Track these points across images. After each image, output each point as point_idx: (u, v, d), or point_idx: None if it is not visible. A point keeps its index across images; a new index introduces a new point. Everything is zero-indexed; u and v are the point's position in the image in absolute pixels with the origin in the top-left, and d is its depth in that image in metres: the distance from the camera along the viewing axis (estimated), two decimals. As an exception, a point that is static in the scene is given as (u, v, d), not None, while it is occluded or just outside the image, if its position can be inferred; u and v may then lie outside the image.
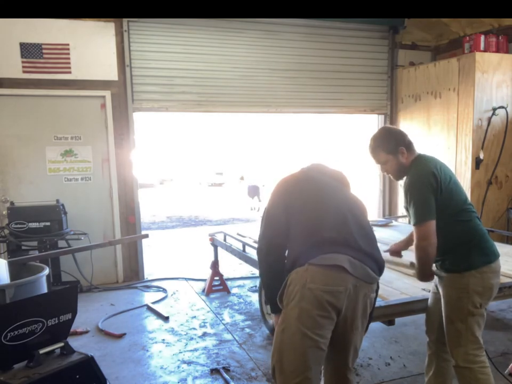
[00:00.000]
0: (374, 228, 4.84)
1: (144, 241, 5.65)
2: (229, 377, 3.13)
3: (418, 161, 2.36)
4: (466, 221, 2.34)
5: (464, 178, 5.38)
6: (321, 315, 1.87)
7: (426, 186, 2.24)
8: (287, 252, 2.05)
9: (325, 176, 2.24)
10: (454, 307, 2.32)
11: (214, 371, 3.25)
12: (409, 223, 2.34)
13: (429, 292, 2.63)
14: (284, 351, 1.93)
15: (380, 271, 2.04)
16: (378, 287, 2.09)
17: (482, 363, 2.32)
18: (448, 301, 2.34)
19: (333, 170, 2.33)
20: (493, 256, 2.33)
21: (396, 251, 2.80)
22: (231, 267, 5.96)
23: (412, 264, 2.43)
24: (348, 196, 2.21)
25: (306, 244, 1.94)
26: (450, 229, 2.30)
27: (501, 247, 3.96)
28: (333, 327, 1.93)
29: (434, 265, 2.41)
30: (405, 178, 2.37)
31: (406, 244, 2.81)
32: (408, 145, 2.41)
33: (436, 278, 2.46)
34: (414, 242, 2.28)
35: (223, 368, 3.27)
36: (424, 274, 2.33)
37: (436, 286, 2.48)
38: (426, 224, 2.21)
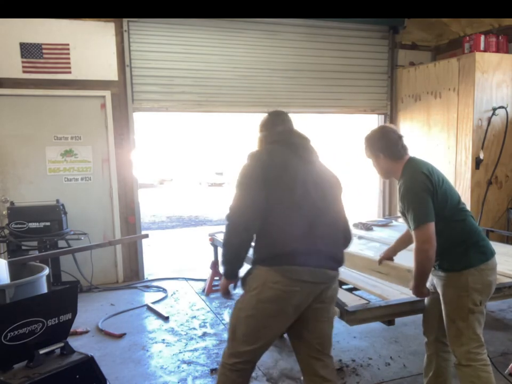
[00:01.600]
0: (374, 228, 4.89)
1: (144, 241, 5.65)
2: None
3: (411, 165, 2.36)
4: (462, 220, 2.36)
5: (464, 178, 5.38)
6: (276, 309, 2.04)
7: (423, 189, 2.24)
8: (264, 239, 2.09)
9: (306, 162, 2.21)
10: (455, 306, 2.33)
11: (214, 371, 3.25)
12: (409, 227, 2.33)
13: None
14: (238, 325, 2.14)
15: (339, 263, 2.20)
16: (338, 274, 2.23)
17: (484, 361, 2.32)
18: (448, 300, 2.34)
19: (315, 152, 2.32)
20: (489, 254, 2.36)
21: (386, 258, 2.83)
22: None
23: (409, 271, 2.44)
24: (325, 192, 2.18)
25: (276, 247, 2.05)
26: (447, 229, 2.32)
27: (501, 247, 3.97)
28: (289, 319, 2.10)
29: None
30: (399, 183, 2.37)
31: (393, 250, 2.83)
32: (399, 151, 2.39)
33: (432, 278, 2.46)
34: (415, 246, 2.26)
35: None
36: (421, 283, 2.33)
37: (433, 286, 2.49)
38: (426, 227, 2.21)
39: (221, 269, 2.25)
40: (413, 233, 2.27)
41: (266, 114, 2.47)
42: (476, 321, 2.31)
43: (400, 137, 2.43)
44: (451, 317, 2.34)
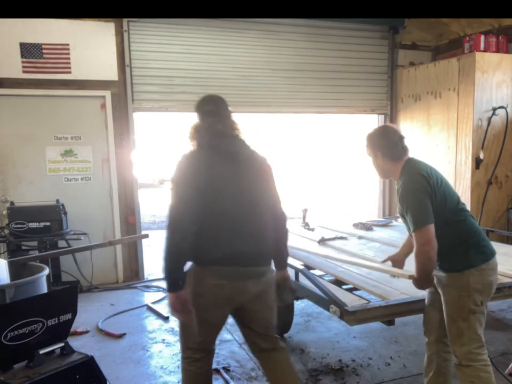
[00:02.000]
0: (374, 228, 4.89)
1: (144, 241, 5.65)
2: (229, 377, 3.13)
3: (409, 167, 2.35)
4: (462, 221, 2.36)
5: (464, 178, 5.38)
6: (210, 302, 2.23)
7: (421, 191, 2.24)
8: (199, 240, 2.20)
9: (232, 163, 2.27)
10: (456, 306, 2.32)
11: (214, 371, 3.25)
12: (408, 229, 2.33)
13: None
14: (184, 323, 2.32)
15: (266, 259, 2.36)
16: (270, 268, 2.39)
17: (485, 361, 2.32)
18: (449, 300, 2.34)
19: (249, 153, 2.37)
20: (490, 254, 2.37)
21: (398, 261, 2.75)
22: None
23: (410, 277, 2.44)
24: (251, 193, 2.30)
25: (211, 250, 2.22)
26: (448, 230, 2.32)
27: (501, 247, 3.97)
28: (224, 310, 2.31)
29: None
30: (398, 184, 2.37)
31: (403, 254, 2.76)
32: (398, 152, 2.38)
33: (433, 277, 2.46)
34: (415, 249, 2.27)
35: (223, 368, 3.27)
36: (426, 281, 2.35)
37: (433, 286, 2.48)
38: (426, 229, 2.21)
39: (164, 285, 2.28)
40: (412, 235, 2.26)
41: (200, 102, 2.50)
42: (477, 322, 2.31)
43: (401, 137, 2.41)
44: (452, 317, 2.34)
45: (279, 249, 2.44)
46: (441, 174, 2.40)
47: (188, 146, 2.38)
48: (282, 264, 2.50)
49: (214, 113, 2.38)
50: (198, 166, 2.21)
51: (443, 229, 2.29)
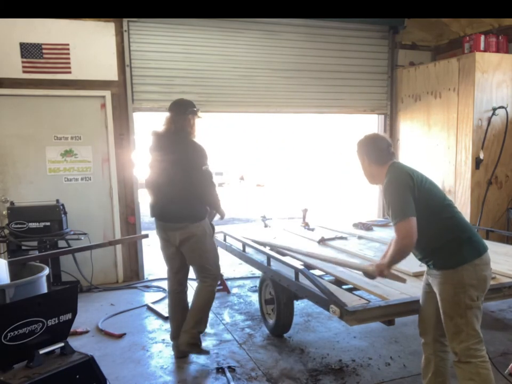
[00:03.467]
0: (374, 228, 4.90)
1: (144, 241, 5.64)
2: (230, 377, 3.13)
3: (394, 168, 2.47)
4: (450, 217, 2.40)
5: (464, 178, 5.38)
6: (161, 243, 3.52)
7: (404, 185, 2.33)
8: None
9: (167, 152, 3.32)
10: (452, 303, 2.34)
11: (220, 370, 3.25)
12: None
13: None
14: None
15: (180, 218, 3.30)
16: (189, 224, 3.32)
17: (483, 357, 2.33)
18: (445, 298, 2.36)
19: (183, 145, 3.33)
20: (482, 249, 2.38)
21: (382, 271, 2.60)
22: (231, 267, 5.96)
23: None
24: (175, 172, 3.27)
25: (153, 210, 3.45)
26: (437, 227, 2.36)
27: (501, 247, 3.98)
28: (168, 248, 3.46)
29: (425, 266, 2.49)
30: (383, 183, 2.45)
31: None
32: (384, 156, 2.49)
33: (427, 277, 2.49)
34: (395, 239, 2.36)
35: (228, 367, 3.27)
36: (390, 267, 2.47)
37: (427, 285, 2.50)
38: (407, 221, 2.28)
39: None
40: (394, 227, 2.33)
41: (172, 105, 3.46)
42: (474, 317, 2.32)
43: (388, 144, 2.54)
44: (449, 314, 2.35)
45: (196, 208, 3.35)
46: (426, 176, 2.48)
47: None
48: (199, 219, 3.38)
49: (170, 114, 3.40)
50: (151, 152, 3.43)
51: (432, 226, 2.34)
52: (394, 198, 2.34)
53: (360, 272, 3.20)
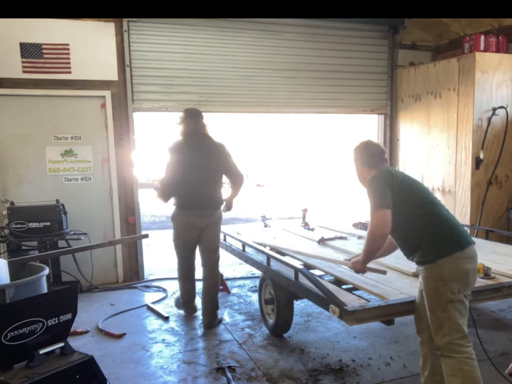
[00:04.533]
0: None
1: (144, 241, 5.65)
2: (230, 377, 3.13)
3: (380, 169, 2.59)
4: (430, 213, 2.45)
5: (464, 178, 5.38)
6: (184, 228, 4.09)
7: (383, 180, 2.46)
8: (178, 195, 4.07)
9: (196, 149, 3.96)
10: (433, 297, 2.37)
11: (220, 369, 3.25)
12: None
13: None
14: (175, 241, 4.21)
15: (209, 207, 4.04)
16: (215, 212, 4.11)
17: (467, 354, 2.34)
18: (428, 292, 2.40)
19: (208, 143, 4.03)
20: (464, 242, 2.39)
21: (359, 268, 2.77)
22: (231, 267, 5.97)
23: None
24: (204, 170, 3.95)
25: (182, 201, 4.05)
26: (417, 222, 2.42)
27: (501, 247, 3.98)
28: (192, 233, 4.07)
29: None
30: None
31: (381, 254, 2.81)
32: (374, 160, 2.64)
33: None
34: (368, 229, 2.47)
35: (228, 367, 3.27)
36: (366, 261, 2.62)
37: (420, 283, 2.52)
38: (382, 212, 2.38)
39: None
40: (370, 218, 2.44)
41: (185, 111, 4.13)
42: (456, 311, 2.34)
43: (380, 151, 2.69)
44: (431, 308, 2.39)
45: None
46: (411, 176, 2.61)
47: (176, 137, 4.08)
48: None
49: (192, 117, 4.05)
50: (176, 152, 4.00)
51: (413, 221, 2.42)
52: (373, 191, 2.47)
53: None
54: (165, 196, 4.02)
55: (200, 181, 3.94)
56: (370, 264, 2.78)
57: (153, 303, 4.72)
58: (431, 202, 2.48)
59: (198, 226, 4.01)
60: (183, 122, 4.04)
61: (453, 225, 2.44)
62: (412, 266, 3.10)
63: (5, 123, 4.98)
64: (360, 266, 2.69)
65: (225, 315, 4.38)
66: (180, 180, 3.93)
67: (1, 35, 4.84)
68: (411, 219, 2.43)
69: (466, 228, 4.47)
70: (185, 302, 4.33)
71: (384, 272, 2.83)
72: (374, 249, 2.53)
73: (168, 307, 4.62)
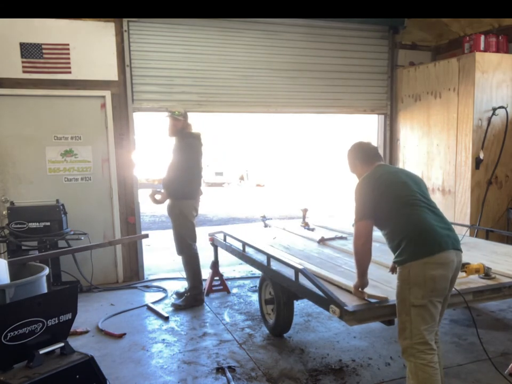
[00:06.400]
0: (374, 228, 4.89)
1: (144, 241, 5.65)
2: (230, 377, 3.13)
3: (374, 169, 2.63)
4: (408, 214, 2.44)
5: (464, 178, 5.38)
6: (193, 215, 4.68)
7: (366, 188, 2.52)
8: (189, 185, 4.61)
9: (200, 147, 4.69)
10: (399, 299, 2.40)
11: (220, 370, 3.25)
12: None
13: None
14: (181, 230, 4.61)
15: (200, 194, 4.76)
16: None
17: (425, 361, 2.33)
18: (396, 293, 2.43)
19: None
20: (437, 247, 2.34)
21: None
22: (231, 267, 5.97)
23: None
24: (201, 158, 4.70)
25: (187, 190, 4.61)
26: (395, 223, 2.44)
27: (501, 247, 3.98)
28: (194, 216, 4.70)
29: None
30: None
31: None
32: (368, 156, 2.72)
33: None
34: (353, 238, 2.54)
35: (229, 367, 3.27)
36: (360, 274, 2.61)
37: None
38: (361, 224, 2.46)
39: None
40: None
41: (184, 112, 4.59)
42: (419, 317, 2.33)
43: (373, 148, 2.78)
44: (397, 309, 2.42)
45: None
46: (401, 174, 2.60)
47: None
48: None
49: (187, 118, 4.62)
50: (194, 147, 4.58)
51: (392, 223, 2.44)
52: (355, 200, 2.54)
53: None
54: (176, 192, 4.46)
55: (200, 173, 4.73)
56: (372, 292, 2.74)
57: (153, 303, 4.71)
58: (412, 204, 2.44)
59: (197, 211, 4.72)
60: (185, 120, 4.53)
61: (430, 229, 2.37)
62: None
63: (5, 123, 4.98)
64: (357, 281, 2.68)
65: (225, 315, 4.38)
66: (196, 172, 4.58)
67: (1, 35, 4.84)
68: (391, 219, 2.46)
69: (466, 228, 4.54)
70: (200, 293, 4.68)
71: (385, 299, 2.67)
72: (360, 259, 2.54)
73: (168, 307, 4.63)
